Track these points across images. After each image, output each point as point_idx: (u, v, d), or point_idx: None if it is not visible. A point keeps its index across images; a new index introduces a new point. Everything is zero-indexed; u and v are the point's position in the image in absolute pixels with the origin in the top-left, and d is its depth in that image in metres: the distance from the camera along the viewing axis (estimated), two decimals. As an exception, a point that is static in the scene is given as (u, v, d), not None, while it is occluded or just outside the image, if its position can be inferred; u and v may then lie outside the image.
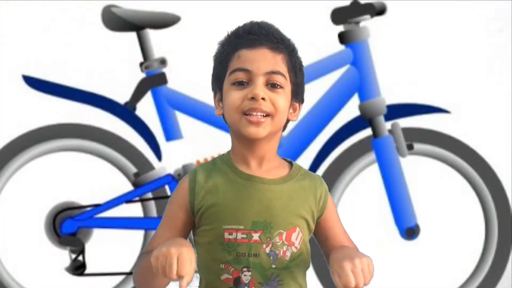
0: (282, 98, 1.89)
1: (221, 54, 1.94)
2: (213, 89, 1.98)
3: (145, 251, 1.93)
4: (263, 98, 1.86)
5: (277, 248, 1.88)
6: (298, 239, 1.90)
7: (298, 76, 1.94)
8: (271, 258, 1.87)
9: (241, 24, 1.96)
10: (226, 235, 1.87)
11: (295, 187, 1.92)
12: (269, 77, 1.88)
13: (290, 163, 1.98)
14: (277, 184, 1.90)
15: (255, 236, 1.87)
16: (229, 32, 1.95)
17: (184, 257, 1.73)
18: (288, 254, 1.89)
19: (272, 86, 1.88)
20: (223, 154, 1.96)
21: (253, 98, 1.86)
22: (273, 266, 1.87)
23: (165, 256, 1.73)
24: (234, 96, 1.88)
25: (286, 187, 1.91)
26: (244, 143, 1.91)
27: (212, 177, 1.91)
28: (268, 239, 1.87)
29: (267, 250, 1.87)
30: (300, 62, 1.96)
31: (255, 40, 1.89)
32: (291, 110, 1.95)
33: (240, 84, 1.89)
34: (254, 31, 1.91)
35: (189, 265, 1.73)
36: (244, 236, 1.87)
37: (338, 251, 1.86)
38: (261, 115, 1.87)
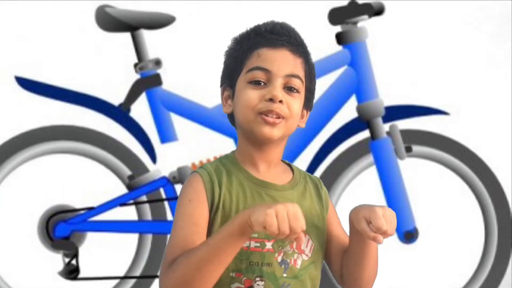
0: (298, 102, 1.86)
1: (236, 50, 1.88)
2: (222, 85, 1.92)
3: (181, 255, 1.75)
4: (280, 101, 1.82)
5: (288, 257, 1.84)
6: (308, 247, 1.86)
7: (312, 83, 1.92)
8: (283, 267, 1.83)
9: (261, 22, 1.90)
10: None
11: (302, 192, 1.89)
12: (288, 80, 1.84)
13: (289, 166, 1.94)
14: (287, 190, 1.87)
15: (268, 245, 1.82)
16: (249, 29, 1.89)
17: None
18: (299, 262, 1.85)
19: (289, 89, 1.84)
20: (228, 155, 1.90)
21: (271, 100, 1.81)
22: (284, 275, 1.83)
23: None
24: (251, 95, 1.83)
25: (295, 193, 1.87)
26: (255, 145, 1.86)
27: (225, 179, 1.84)
28: (280, 248, 1.83)
29: (279, 259, 1.83)
30: (314, 69, 1.93)
31: (277, 40, 1.85)
32: None
33: (257, 83, 1.83)
34: (276, 30, 1.86)
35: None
36: (258, 244, 1.82)
37: (356, 207, 1.81)
38: (276, 117, 1.82)
